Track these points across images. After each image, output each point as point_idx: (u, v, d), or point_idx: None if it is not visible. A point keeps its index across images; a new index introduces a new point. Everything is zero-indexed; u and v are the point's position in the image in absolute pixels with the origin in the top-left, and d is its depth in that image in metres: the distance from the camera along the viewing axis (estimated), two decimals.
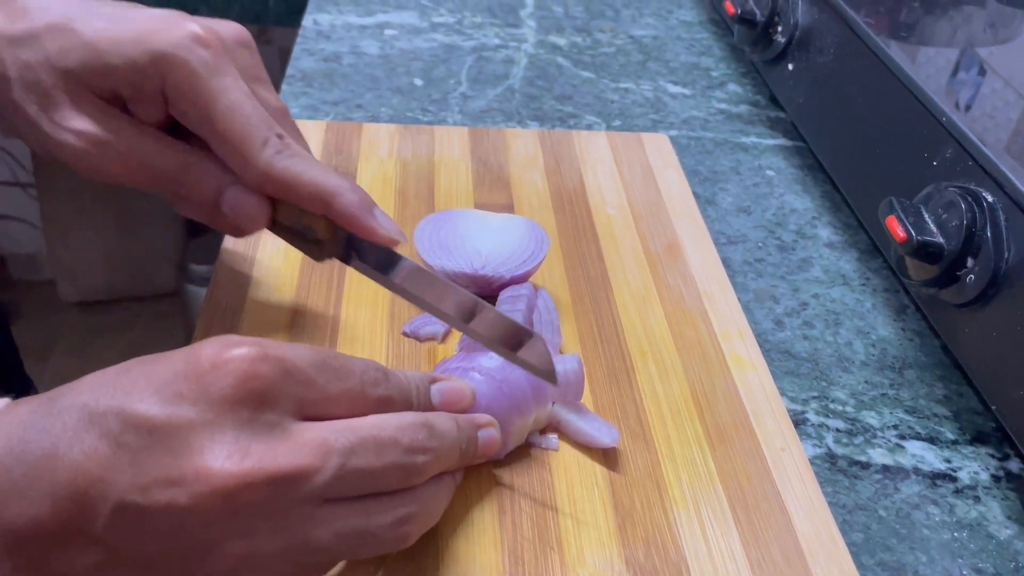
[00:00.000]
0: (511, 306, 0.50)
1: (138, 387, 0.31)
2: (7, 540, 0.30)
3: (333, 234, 0.45)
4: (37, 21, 0.42)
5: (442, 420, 0.38)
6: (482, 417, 0.41)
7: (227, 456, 0.30)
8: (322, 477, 0.32)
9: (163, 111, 0.44)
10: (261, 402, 0.32)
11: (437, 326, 0.51)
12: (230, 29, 0.44)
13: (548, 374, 0.42)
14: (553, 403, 0.45)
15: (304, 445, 0.32)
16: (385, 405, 0.36)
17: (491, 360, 0.44)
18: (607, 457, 0.45)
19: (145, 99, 0.43)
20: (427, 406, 0.39)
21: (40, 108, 0.42)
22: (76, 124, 0.42)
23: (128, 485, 0.30)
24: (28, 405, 0.32)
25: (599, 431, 0.45)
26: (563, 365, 0.45)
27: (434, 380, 0.40)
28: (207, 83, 0.42)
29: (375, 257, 0.45)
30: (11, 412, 0.32)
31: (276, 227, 0.45)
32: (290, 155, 0.43)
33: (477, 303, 0.43)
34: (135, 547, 0.30)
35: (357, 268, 0.45)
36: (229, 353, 0.32)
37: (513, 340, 0.43)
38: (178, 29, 0.42)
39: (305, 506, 0.32)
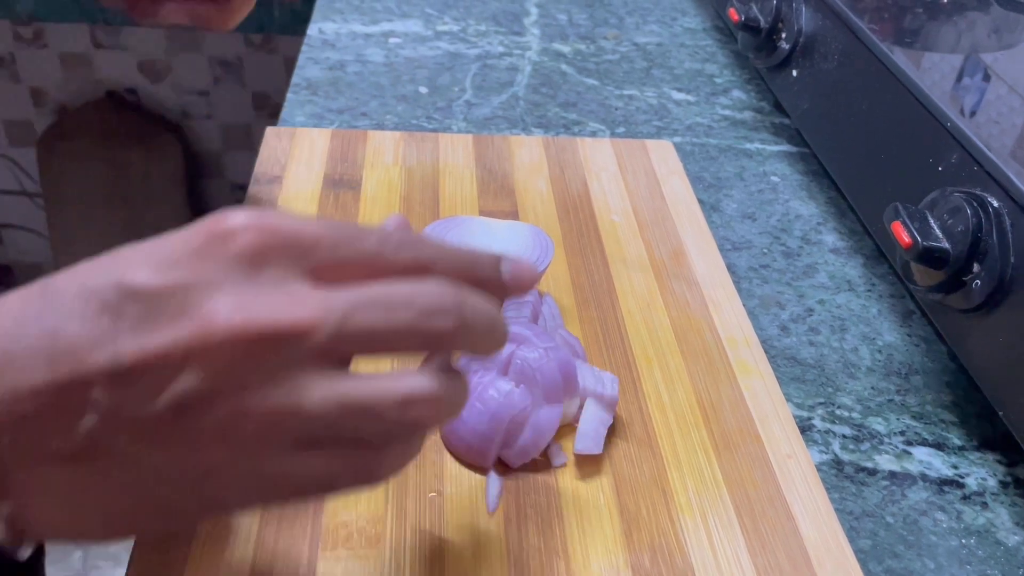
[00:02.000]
0: (516, 312, 0.50)
1: (134, 261, 0.31)
2: (4, 416, 0.30)
3: None
4: None
5: (478, 296, 0.34)
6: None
7: (226, 309, 0.30)
8: (321, 333, 0.30)
9: None
10: (262, 260, 0.31)
11: None
12: None
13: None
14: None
15: (305, 300, 0.31)
16: (417, 271, 0.33)
17: (530, 351, 0.45)
18: (613, 464, 0.45)
19: None
20: (493, 280, 0.36)
21: None
22: None
23: (128, 347, 0.30)
24: (17, 295, 0.32)
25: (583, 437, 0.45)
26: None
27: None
28: None
29: None
30: (0, 304, 0.32)
31: None
32: None
33: None
34: (131, 409, 0.30)
35: None
36: (226, 221, 0.31)
37: None
38: None
39: (302, 366, 0.31)
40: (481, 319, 0.34)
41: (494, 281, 0.36)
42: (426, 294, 0.32)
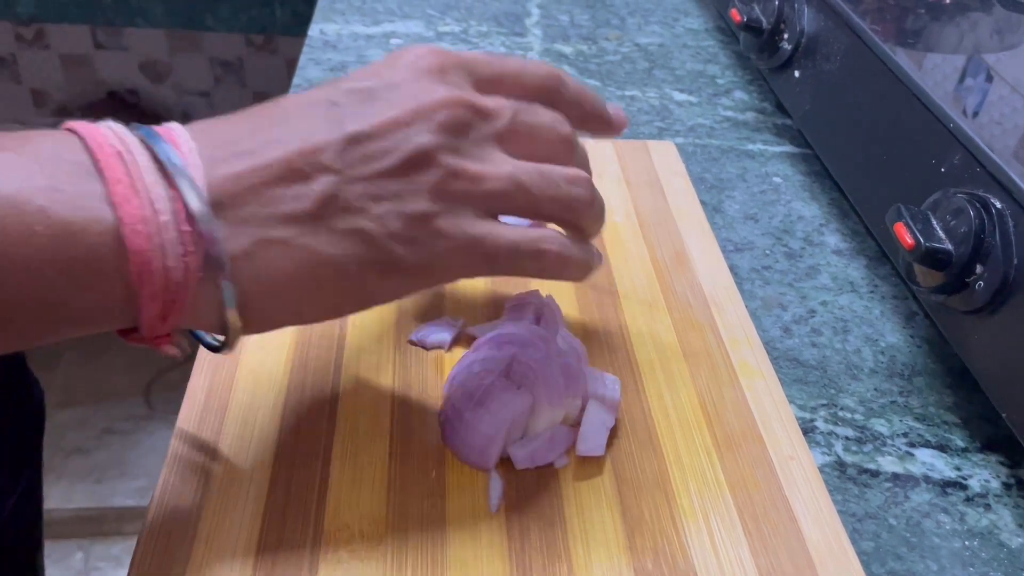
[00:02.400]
0: (518, 314, 0.50)
1: (343, 80, 0.38)
2: (247, 185, 0.34)
3: None
4: None
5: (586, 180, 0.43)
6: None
7: (440, 89, 0.38)
8: (504, 117, 0.39)
9: None
10: (443, 71, 0.39)
11: (444, 334, 0.51)
12: None
13: None
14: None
15: (486, 97, 0.39)
16: (548, 90, 0.43)
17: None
18: (615, 465, 0.45)
19: None
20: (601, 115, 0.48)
21: None
22: None
23: (362, 117, 0.36)
24: (237, 115, 0.37)
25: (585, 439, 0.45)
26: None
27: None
28: None
29: None
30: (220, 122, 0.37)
31: None
32: None
33: None
34: (364, 166, 0.36)
35: None
36: (409, 53, 0.39)
37: None
38: None
39: (493, 143, 0.39)
40: (601, 203, 0.44)
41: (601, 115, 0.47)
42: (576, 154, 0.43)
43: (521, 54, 0.84)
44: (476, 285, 0.55)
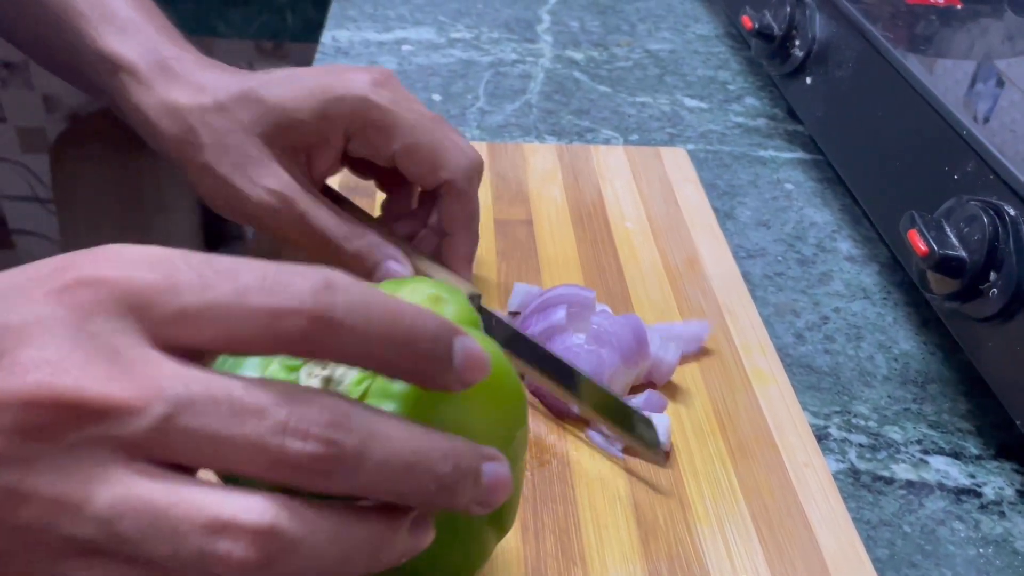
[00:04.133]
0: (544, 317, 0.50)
1: None
2: None
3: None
4: (221, 95, 0.48)
5: (378, 417, 0.26)
6: (489, 449, 0.29)
7: (32, 364, 0.25)
8: (135, 424, 0.25)
9: (338, 157, 0.50)
10: (92, 316, 0.26)
11: None
12: (385, 73, 0.50)
13: (657, 455, 0.45)
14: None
15: (132, 377, 0.25)
16: (306, 339, 0.26)
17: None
18: (630, 472, 0.45)
19: (328, 146, 0.49)
20: (436, 364, 0.28)
21: (234, 168, 0.47)
22: (269, 182, 0.47)
23: None
24: None
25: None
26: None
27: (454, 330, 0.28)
28: (394, 114, 0.48)
29: (508, 340, 0.47)
30: None
31: None
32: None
33: (623, 405, 0.46)
34: None
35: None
36: (66, 271, 0.27)
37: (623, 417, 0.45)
38: (353, 79, 0.48)
39: (106, 454, 0.25)
40: (378, 452, 0.26)
41: (437, 364, 0.27)
42: (296, 406, 0.25)
43: (532, 60, 0.84)
44: (488, 292, 0.56)
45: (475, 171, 0.50)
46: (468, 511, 0.28)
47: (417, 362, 0.27)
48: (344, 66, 0.50)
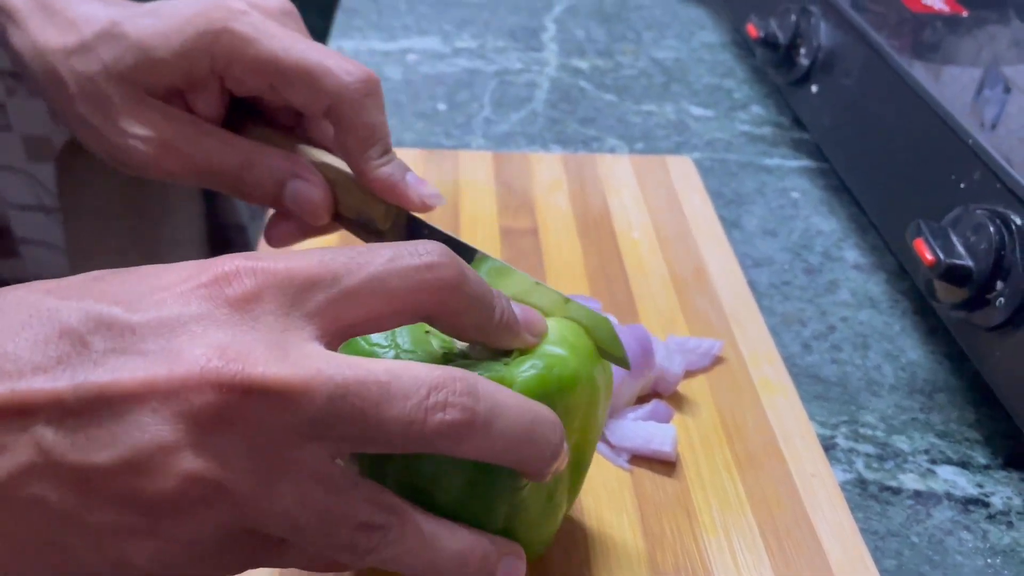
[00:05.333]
0: None
1: (111, 291, 0.28)
2: None
3: (393, 222, 0.45)
4: (86, 31, 0.43)
5: (500, 389, 0.31)
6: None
7: (207, 353, 0.26)
8: (305, 408, 0.27)
9: (221, 99, 0.45)
10: (257, 304, 0.28)
11: None
12: (273, 1, 0.45)
13: (621, 360, 0.41)
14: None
15: (297, 362, 0.27)
16: (442, 290, 0.31)
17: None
18: (636, 483, 0.45)
19: (201, 86, 0.44)
20: (508, 318, 0.34)
21: (104, 117, 0.43)
22: (140, 130, 0.43)
23: (86, 379, 0.25)
24: None
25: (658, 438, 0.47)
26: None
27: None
28: (258, 41, 0.42)
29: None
30: None
31: (339, 219, 0.46)
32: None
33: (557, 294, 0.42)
34: (76, 454, 0.25)
35: None
36: (220, 265, 0.28)
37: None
38: (218, 7, 0.43)
39: (276, 441, 0.27)
40: (503, 418, 0.30)
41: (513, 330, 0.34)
42: (432, 379, 0.29)
43: (537, 69, 0.85)
44: None
45: (360, 90, 0.42)
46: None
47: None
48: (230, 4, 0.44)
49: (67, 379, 0.25)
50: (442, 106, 0.78)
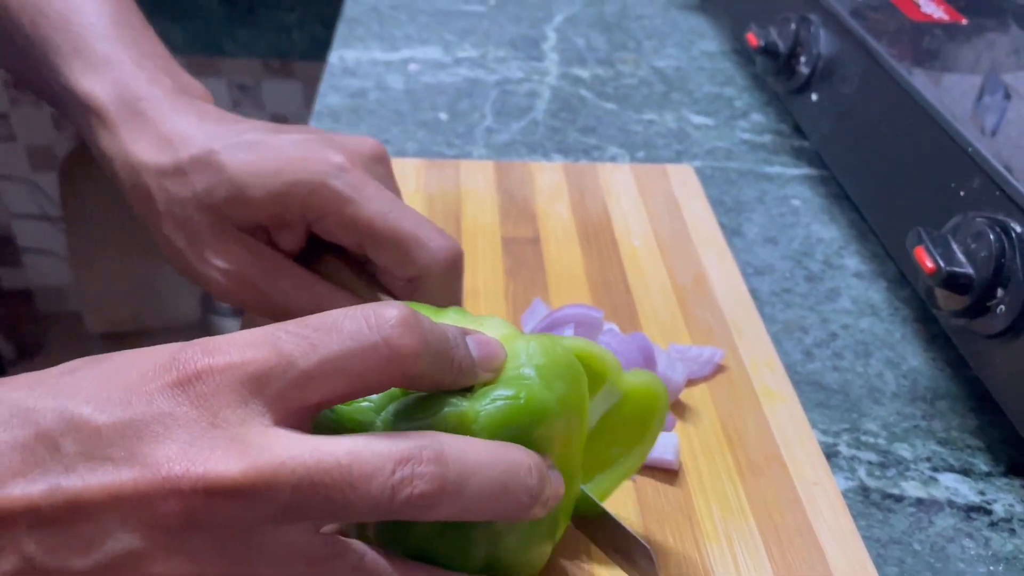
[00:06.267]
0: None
1: (83, 389, 0.28)
2: None
3: None
4: (182, 154, 0.43)
5: (469, 445, 0.30)
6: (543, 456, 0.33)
7: (176, 458, 0.27)
8: (266, 504, 0.27)
9: (304, 234, 0.45)
10: (221, 401, 0.28)
11: None
12: (367, 147, 0.45)
13: None
14: None
15: (258, 459, 0.27)
16: (400, 363, 0.30)
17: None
18: (639, 491, 0.45)
19: (287, 226, 0.44)
20: (465, 363, 0.32)
21: (188, 243, 0.44)
22: (221, 263, 0.44)
23: (62, 486, 0.26)
24: None
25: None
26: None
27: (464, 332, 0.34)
28: (355, 202, 0.43)
29: None
30: None
31: None
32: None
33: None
34: (55, 560, 0.27)
35: None
36: (184, 360, 0.29)
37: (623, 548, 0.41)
38: (318, 159, 0.43)
39: (255, 531, 0.28)
40: (475, 477, 0.30)
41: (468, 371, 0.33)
42: (396, 454, 0.29)
43: (538, 78, 0.85)
44: (496, 310, 0.56)
45: (447, 265, 0.44)
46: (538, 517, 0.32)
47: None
48: (322, 138, 0.45)
49: (41, 486, 0.27)
50: (443, 115, 0.78)
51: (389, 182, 0.46)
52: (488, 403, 0.33)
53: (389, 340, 0.29)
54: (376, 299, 0.46)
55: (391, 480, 0.28)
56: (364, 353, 0.29)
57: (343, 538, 0.30)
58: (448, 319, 0.37)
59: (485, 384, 0.34)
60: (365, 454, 0.28)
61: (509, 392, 0.33)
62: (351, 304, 0.44)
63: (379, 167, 0.46)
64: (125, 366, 0.29)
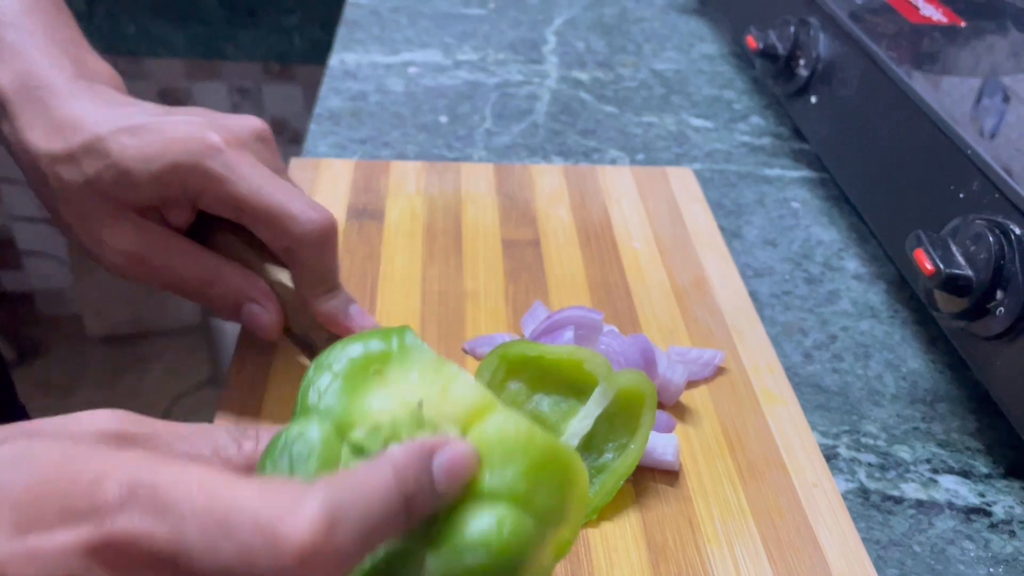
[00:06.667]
0: (551, 339, 0.50)
1: (8, 499, 0.26)
2: None
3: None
4: (72, 141, 0.45)
5: None
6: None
7: None
8: None
9: (192, 213, 0.48)
10: (134, 571, 0.26)
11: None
12: (248, 126, 0.47)
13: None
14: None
15: None
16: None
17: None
18: (639, 494, 0.45)
19: (174, 204, 0.47)
20: (423, 511, 0.29)
21: (83, 226, 0.46)
22: (114, 242, 0.46)
23: None
24: None
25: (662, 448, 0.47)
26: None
27: (430, 448, 0.29)
28: (228, 181, 0.45)
29: None
30: None
31: (287, 333, 0.50)
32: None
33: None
34: None
35: None
36: (110, 521, 0.26)
37: None
38: (197, 140, 0.45)
39: None
40: None
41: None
42: None
43: (538, 81, 0.85)
44: (497, 313, 0.56)
45: (318, 236, 0.45)
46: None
47: None
48: (204, 120, 0.46)
49: None
50: (444, 118, 0.78)
51: (272, 160, 0.48)
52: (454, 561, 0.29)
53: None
54: (264, 270, 0.48)
55: None
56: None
57: None
58: (415, 368, 0.33)
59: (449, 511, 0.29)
60: None
61: (478, 539, 0.29)
62: (241, 276, 0.47)
63: (260, 145, 0.47)
64: (58, 478, 0.27)
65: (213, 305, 0.48)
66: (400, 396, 0.32)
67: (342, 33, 0.91)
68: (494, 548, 0.28)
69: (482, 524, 0.29)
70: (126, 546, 0.25)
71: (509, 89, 0.83)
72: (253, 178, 0.45)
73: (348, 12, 0.96)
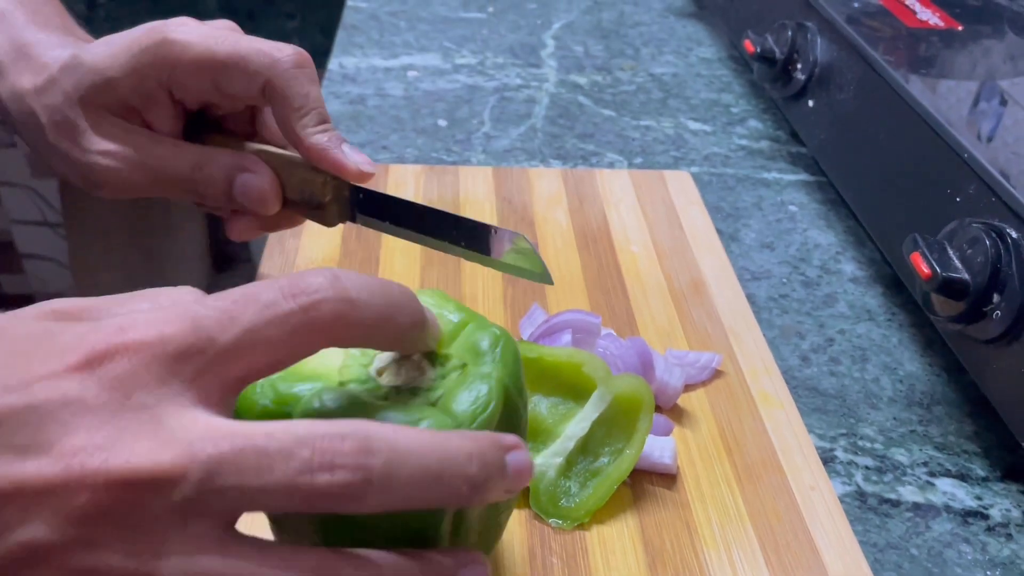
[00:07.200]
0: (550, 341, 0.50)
1: None
2: None
3: (335, 195, 0.48)
4: (53, 68, 0.48)
5: (399, 433, 0.28)
6: (508, 437, 0.30)
7: (83, 448, 0.25)
8: (179, 491, 0.26)
9: (175, 113, 0.49)
10: (132, 382, 0.27)
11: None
12: (212, 22, 0.49)
13: (541, 275, 0.45)
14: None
15: (172, 445, 0.26)
16: (328, 328, 0.29)
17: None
18: (636, 497, 0.45)
19: (153, 100, 0.48)
20: (410, 330, 0.32)
21: (71, 141, 0.48)
22: (102, 145, 0.47)
23: None
24: None
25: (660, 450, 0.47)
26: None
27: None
28: (195, 43, 0.46)
29: (376, 207, 0.48)
30: None
31: (287, 204, 0.49)
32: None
33: (487, 227, 0.46)
34: None
35: (367, 224, 0.48)
36: (91, 341, 0.27)
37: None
38: (160, 26, 0.47)
39: (165, 523, 0.26)
40: (412, 466, 0.27)
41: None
42: (316, 440, 0.26)
43: (537, 85, 0.85)
44: (495, 316, 0.56)
45: (292, 63, 0.46)
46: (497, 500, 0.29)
47: None
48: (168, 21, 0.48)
49: None
50: (442, 122, 0.78)
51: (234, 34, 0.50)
52: (467, 406, 0.32)
53: (309, 307, 0.28)
54: (250, 147, 0.49)
55: (310, 464, 0.26)
56: (284, 320, 0.28)
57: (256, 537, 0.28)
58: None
59: (443, 366, 0.34)
60: (283, 437, 0.26)
61: (485, 388, 0.33)
62: (230, 156, 0.48)
63: (222, 30, 0.49)
64: (28, 345, 0.27)
65: (204, 194, 0.48)
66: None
67: (341, 37, 0.91)
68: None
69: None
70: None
71: (508, 93, 0.84)
72: (218, 36, 0.46)
73: (347, 16, 0.96)
